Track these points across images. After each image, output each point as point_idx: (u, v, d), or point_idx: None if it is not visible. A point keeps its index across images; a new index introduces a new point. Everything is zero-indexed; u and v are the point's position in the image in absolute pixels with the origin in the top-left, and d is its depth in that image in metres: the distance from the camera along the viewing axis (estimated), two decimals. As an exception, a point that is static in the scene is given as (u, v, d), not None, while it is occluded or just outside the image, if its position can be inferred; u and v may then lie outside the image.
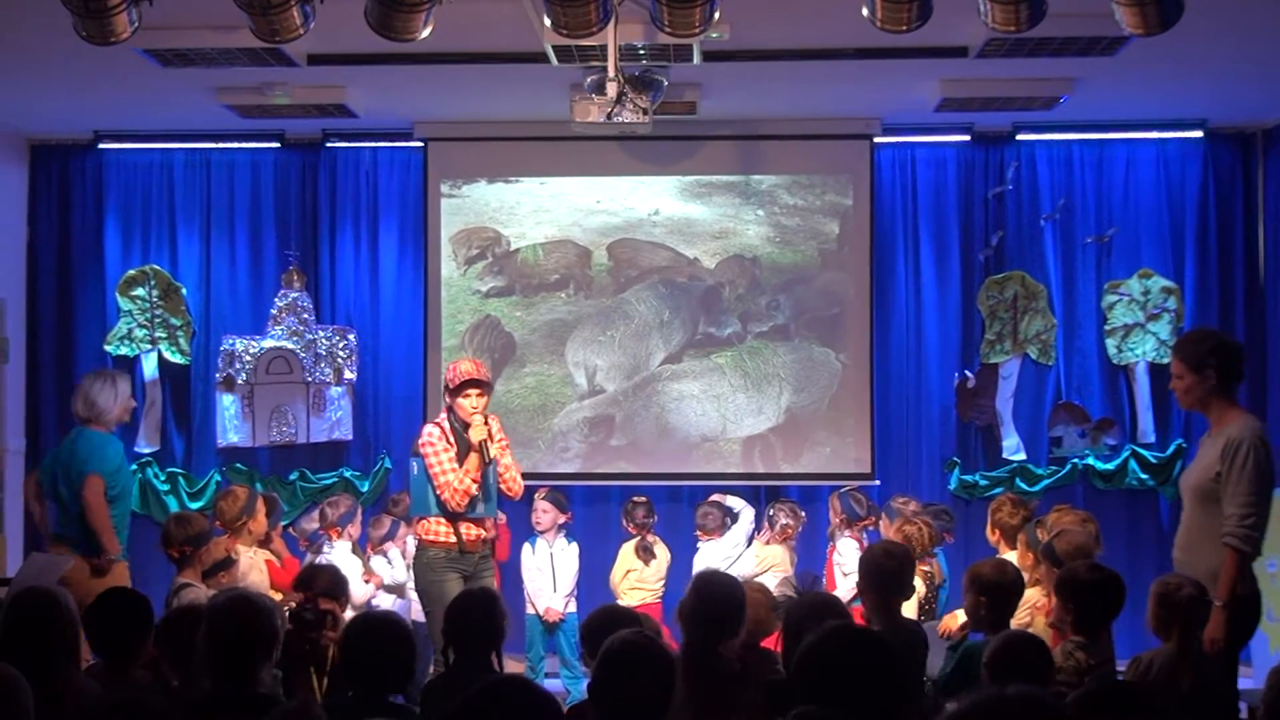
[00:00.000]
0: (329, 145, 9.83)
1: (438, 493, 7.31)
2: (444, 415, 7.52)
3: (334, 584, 5.92)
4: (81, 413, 8.01)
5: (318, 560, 7.87)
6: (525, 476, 9.14)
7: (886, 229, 9.76)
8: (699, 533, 8.81)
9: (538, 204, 9.68)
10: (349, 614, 5.98)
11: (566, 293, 9.67)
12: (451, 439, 7.38)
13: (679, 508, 9.56)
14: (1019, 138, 9.63)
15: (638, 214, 9.66)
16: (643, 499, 8.97)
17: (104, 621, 5.03)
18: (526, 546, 8.83)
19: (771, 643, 5.65)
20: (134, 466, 9.36)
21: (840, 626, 3.94)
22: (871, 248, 9.60)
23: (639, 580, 8.71)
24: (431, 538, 7.37)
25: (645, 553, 8.74)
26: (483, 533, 7.46)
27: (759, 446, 9.61)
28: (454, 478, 7.28)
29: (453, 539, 7.35)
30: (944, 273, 9.76)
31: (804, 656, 3.71)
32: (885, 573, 5.55)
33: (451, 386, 7.41)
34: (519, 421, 9.53)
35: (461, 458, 7.34)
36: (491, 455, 7.36)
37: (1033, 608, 6.47)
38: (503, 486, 7.49)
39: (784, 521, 8.61)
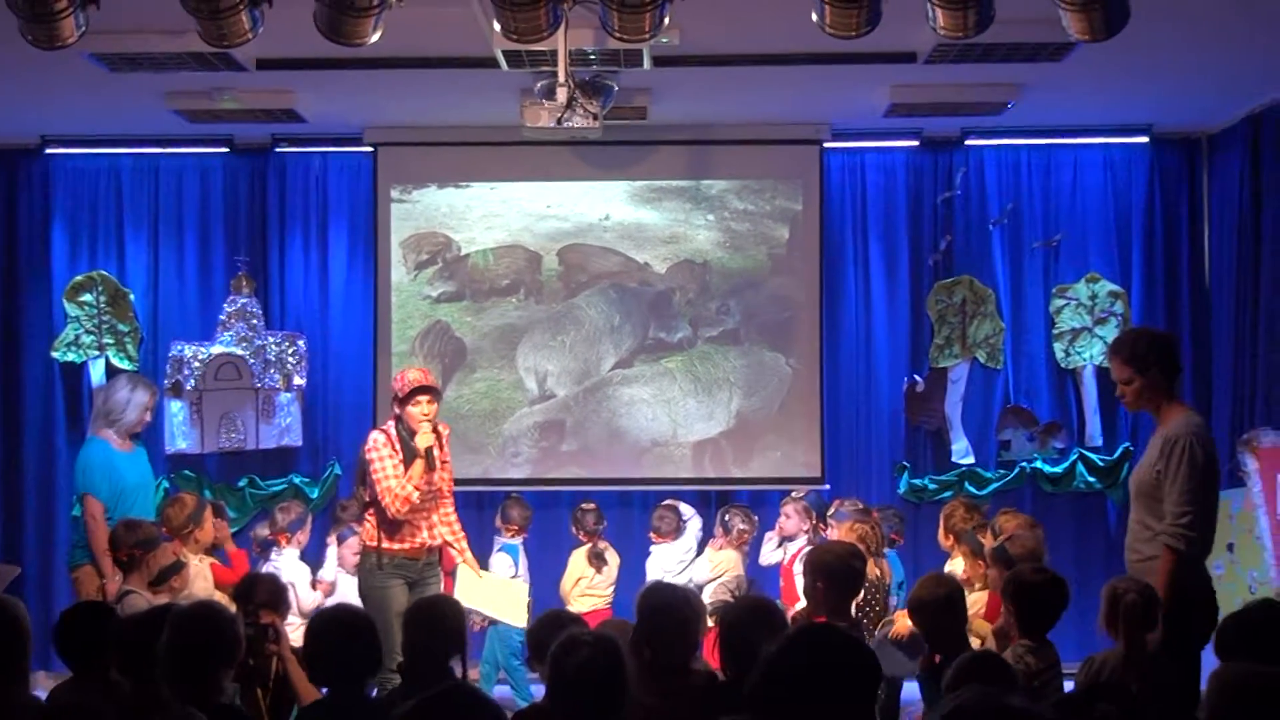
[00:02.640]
0: (278, 150, 9.77)
1: (380, 499, 7.27)
2: (390, 422, 7.49)
3: (273, 594, 5.92)
4: (98, 408, 8.05)
5: (265, 567, 7.83)
6: (476, 482, 9.20)
7: (836, 234, 9.78)
8: (653, 535, 8.81)
9: (488, 209, 9.66)
10: (296, 622, 5.97)
11: (517, 298, 9.66)
12: (397, 445, 7.36)
13: (630, 513, 9.55)
14: (968, 143, 9.67)
15: (588, 219, 9.65)
16: (591, 505, 8.94)
17: (71, 633, 5.01)
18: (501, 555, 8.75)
19: (706, 647, 5.62)
20: (160, 479, 9.25)
21: (818, 628, 3.84)
22: (821, 252, 9.62)
23: (589, 587, 8.67)
24: (377, 544, 7.33)
25: (597, 559, 8.70)
26: (427, 539, 7.42)
27: (709, 451, 9.61)
28: (395, 483, 7.25)
29: (396, 545, 7.32)
30: (893, 277, 9.79)
31: (780, 661, 3.48)
32: (851, 573, 5.55)
33: (400, 395, 7.39)
34: (469, 427, 9.50)
35: (407, 465, 7.31)
36: (437, 463, 7.34)
37: (974, 614, 6.50)
38: (392, 502, 7.32)
39: (740, 526, 8.62)
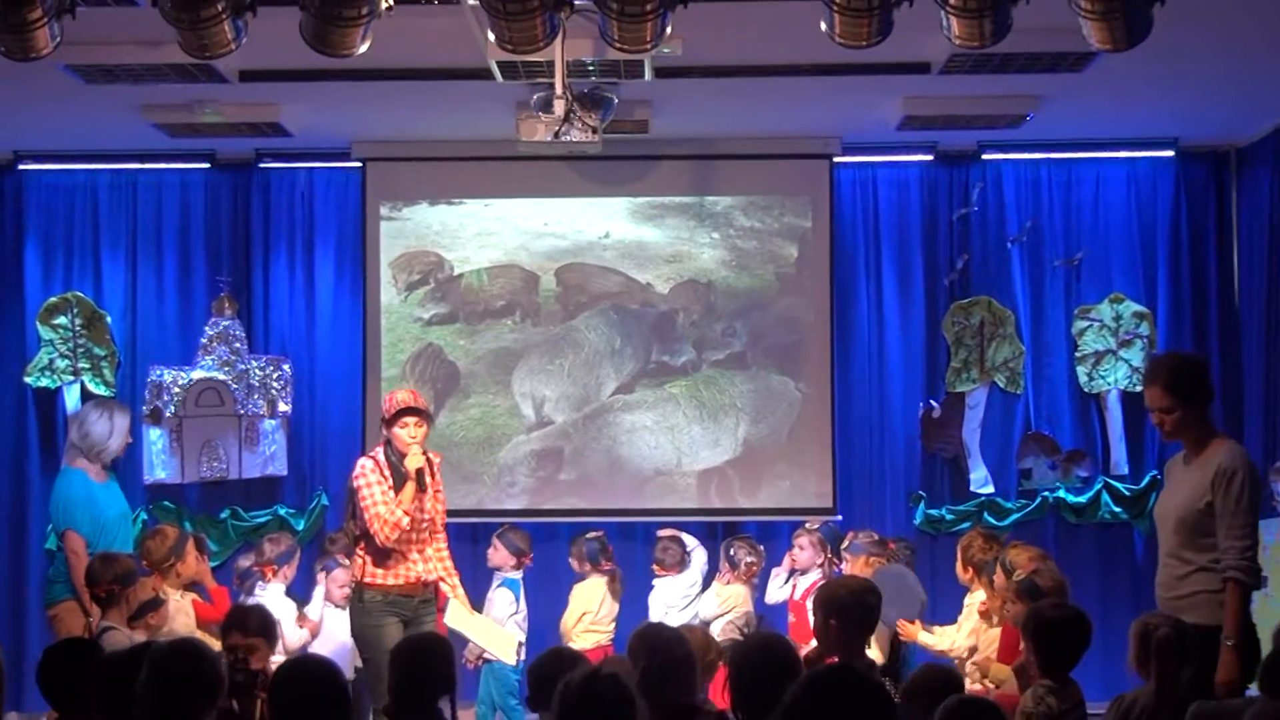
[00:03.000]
0: (262, 166, 9.78)
1: (369, 526, 7.26)
2: (379, 448, 7.49)
3: (264, 626, 5.85)
4: (75, 442, 8.02)
5: (249, 601, 7.81)
6: (470, 513, 9.18)
7: (847, 252, 9.79)
8: (656, 567, 8.80)
9: (482, 227, 9.67)
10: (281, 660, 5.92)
11: (513, 320, 9.66)
12: (386, 472, 7.34)
13: (632, 545, 9.49)
14: (984, 157, 9.68)
15: (587, 237, 9.66)
16: (599, 533, 8.88)
17: (54, 671, 5.00)
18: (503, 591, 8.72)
19: (717, 687, 5.61)
20: (138, 510, 9.30)
21: (839, 671, 3.79)
22: (832, 272, 9.62)
23: (594, 623, 8.63)
24: (368, 579, 7.31)
25: (614, 585, 8.69)
26: (423, 574, 7.41)
27: (715, 480, 9.60)
28: (384, 509, 7.23)
29: (389, 580, 7.31)
30: (907, 298, 9.80)
31: (800, 706, 3.49)
32: (865, 609, 5.53)
33: (387, 416, 7.39)
34: (463, 455, 9.50)
35: (397, 491, 7.30)
36: (429, 486, 7.34)
37: (986, 656, 6.51)
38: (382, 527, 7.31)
39: (748, 559, 8.59)
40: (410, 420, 7.34)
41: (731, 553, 8.66)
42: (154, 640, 5.38)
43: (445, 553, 7.64)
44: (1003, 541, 7.54)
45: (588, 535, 8.90)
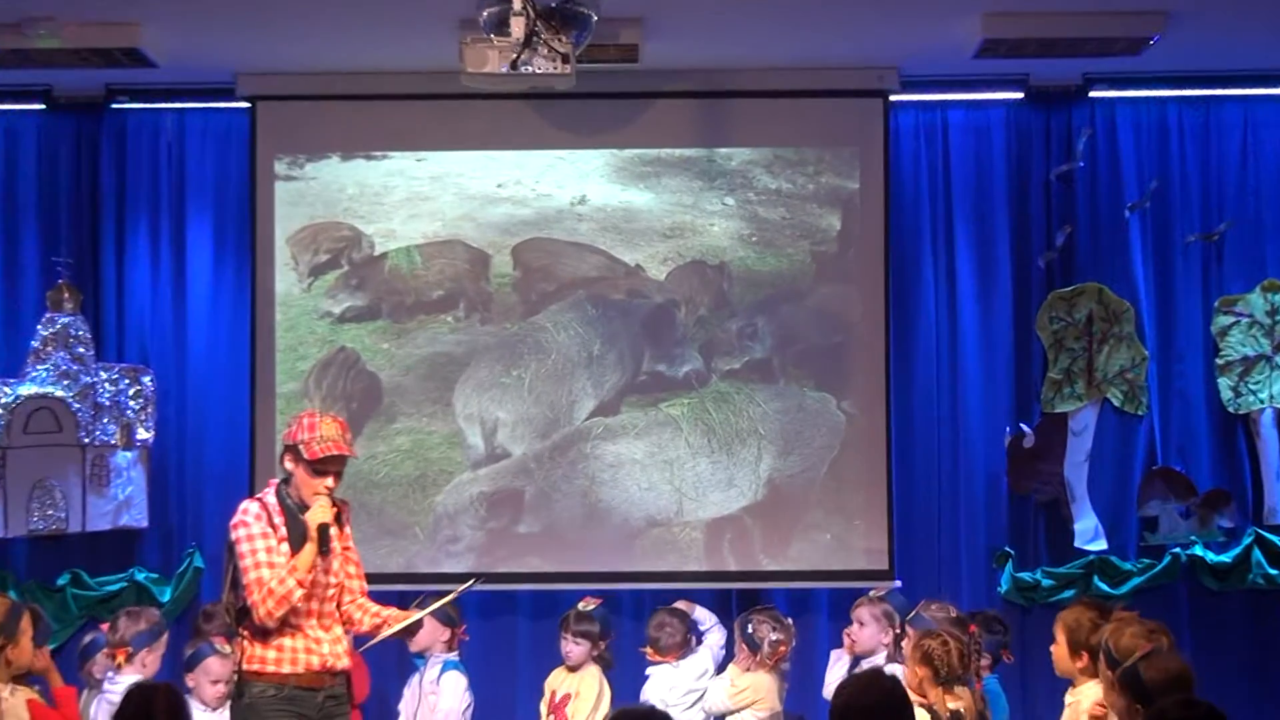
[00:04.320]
0: (115, 106, 9.81)
1: (247, 597, 7.16)
2: (270, 488, 7.39)
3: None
4: None
5: (94, 701, 7.73)
6: (395, 579, 9.14)
7: (908, 224, 9.82)
8: (650, 651, 8.74)
9: (413, 190, 9.69)
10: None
11: (455, 315, 9.69)
12: (279, 519, 7.22)
13: (618, 621, 9.43)
14: (1093, 95, 9.71)
15: (556, 203, 9.69)
16: (598, 600, 8.78)
17: None
18: (415, 678, 8.71)
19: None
20: None
21: None
22: (887, 250, 9.63)
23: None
24: (256, 667, 7.22)
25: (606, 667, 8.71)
26: (329, 658, 7.33)
27: (730, 533, 9.62)
28: (270, 575, 7.09)
29: (284, 669, 7.23)
30: (989, 285, 9.83)
31: None
32: (856, 712, 5.49)
33: (308, 455, 7.23)
34: (387, 500, 9.52)
35: (294, 549, 7.19)
36: (333, 546, 7.23)
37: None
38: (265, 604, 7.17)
39: (773, 638, 8.51)
40: (333, 470, 7.22)
41: (750, 630, 8.57)
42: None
43: (366, 601, 7.47)
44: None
45: (583, 607, 8.78)
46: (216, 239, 9.89)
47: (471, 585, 7.68)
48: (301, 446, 7.14)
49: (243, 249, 9.78)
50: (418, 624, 7.45)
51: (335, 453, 7.12)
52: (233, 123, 9.83)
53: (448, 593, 8.23)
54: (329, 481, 7.16)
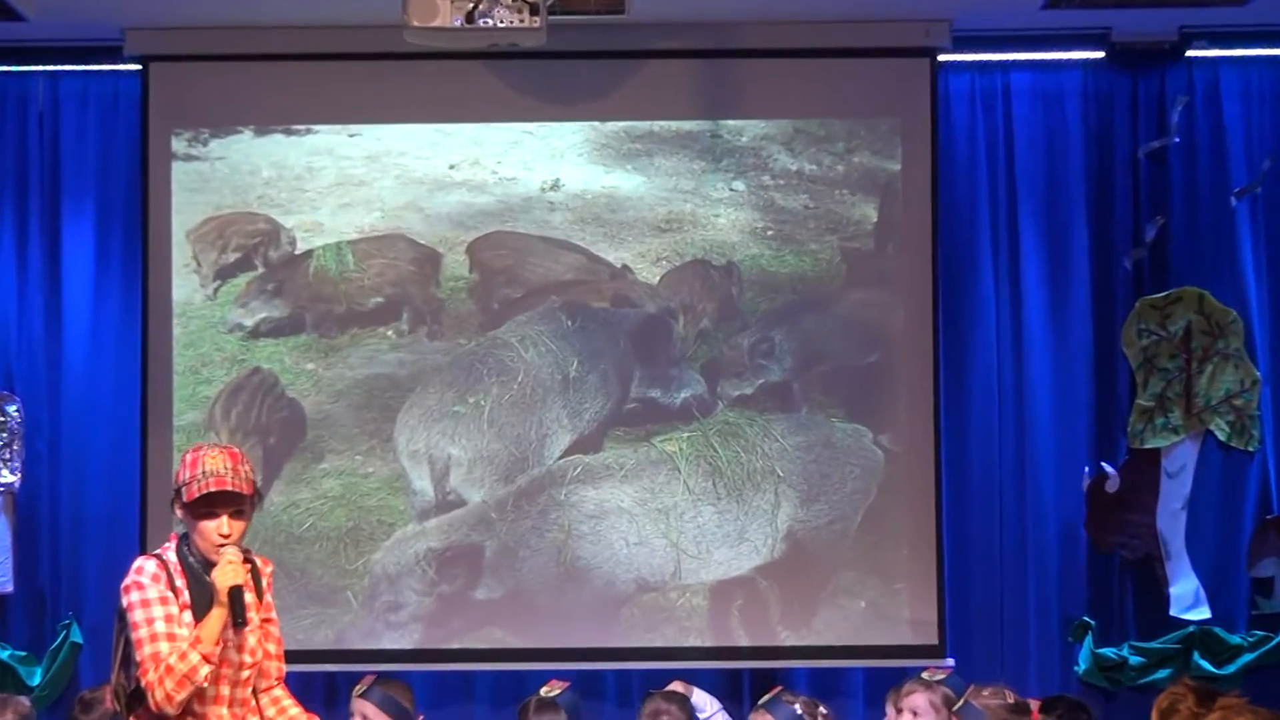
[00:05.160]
0: (-23, 69, 9.81)
1: (139, 675, 6.97)
2: (170, 545, 7.20)
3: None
4: None
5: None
6: (322, 657, 9.06)
7: (961, 214, 9.80)
8: (642, 749, 8.72)
9: (344, 172, 9.66)
10: None
11: (397, 329, 9.65)
12: (180, 582, 7.06)
13: (601, 708, 9.53)
14: (1191, 54, 9.68)
15: (522, 189, 9.66)
16: (562, 685, 8.60)
17: None
18: None
19: None
20: None
21: None
22: (935, 247, 9.61)
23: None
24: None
25: None
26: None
27: (740, 599, 9.57)
28: (169, 649, 6.94)
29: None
30: (1062, 291, 9.80)
31: None
32: None
33: (187, 497, 7.09)
34: (312, 558, 9.46)
35: (197, 618, 7.01)
36: (250, 616, 7.05)
37: None
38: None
39: (819, 728, 8.48)
40: (223, 511, 7.04)
41: (799, 712, 8.48)
42: None
43: (288, 701, 7.36)
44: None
45: (546, 692, 8.59)
46: (99, 234, 9.84)
47: None
48: (183, 489, 6.96)
49: (132, 246, 9.73)
50: None
51: (210, 489, 6.91)
52: (120, 89, 9.83)
53: (394, 676, 8.24)
54: (223, 528, 6.95)
